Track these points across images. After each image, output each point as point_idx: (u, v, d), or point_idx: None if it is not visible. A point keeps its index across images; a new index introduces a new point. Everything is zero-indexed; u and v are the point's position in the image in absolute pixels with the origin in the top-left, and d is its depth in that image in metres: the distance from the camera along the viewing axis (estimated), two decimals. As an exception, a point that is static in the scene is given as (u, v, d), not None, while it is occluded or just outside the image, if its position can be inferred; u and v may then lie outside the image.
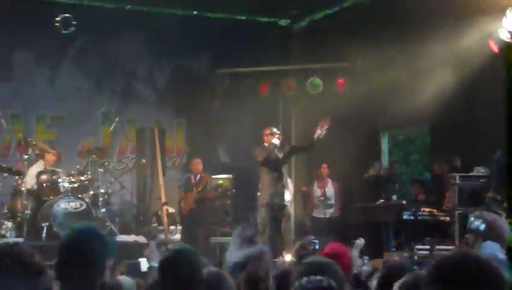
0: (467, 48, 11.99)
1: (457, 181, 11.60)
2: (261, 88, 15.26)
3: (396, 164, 15.47)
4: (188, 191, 14.01)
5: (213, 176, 14.44)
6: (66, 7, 14.22)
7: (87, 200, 12.46)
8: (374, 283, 6.08)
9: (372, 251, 10.85)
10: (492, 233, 5.50)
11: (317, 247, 7.51)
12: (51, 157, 12.98)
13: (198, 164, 14.10)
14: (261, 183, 12.49)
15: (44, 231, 11.92)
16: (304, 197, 14.80)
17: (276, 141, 11.95)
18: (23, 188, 12.34)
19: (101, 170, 13.23)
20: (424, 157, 18.62)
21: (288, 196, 12.14)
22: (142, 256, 9.59)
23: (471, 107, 12.58)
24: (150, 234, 13.13)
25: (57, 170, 12.83)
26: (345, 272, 4.88)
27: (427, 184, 14.28)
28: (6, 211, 12.61)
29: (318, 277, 3.54)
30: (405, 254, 11.56)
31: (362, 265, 6.21)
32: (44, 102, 14.96)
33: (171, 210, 13.79)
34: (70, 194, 12.32)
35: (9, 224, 12.36)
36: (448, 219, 11.88)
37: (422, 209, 12.21)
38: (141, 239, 12.57)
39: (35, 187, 12.46)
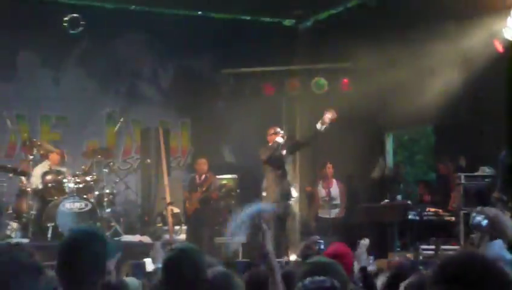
0: (471, 48, 11.98)
1: (463, 181, 11.59)
2: (265, 88, 15.26)
3: (402, 164, 15.46)
4: (192, 191, 14.01)
5: (218, 176, 14.44)
6: (71, 8, 14.24)
7: (92, 200, 12.48)
8: (379, 282, 6.08)
9: (377, 251, 10.83)
10: (494, 228, 5.48)
11: (322, 247, 7.49)
12: (55, 156, 13.01)
13: (203, 164, 14.09)
14: (266, 182, 12.50)
15: (50, 231, 11.95)
16: (309, 198, 14.79)
17: (279, 139, 11.97)
18: (28, 189, 12.36)
19: (106, 170, 13.24)
20: (429, 157, 18.61)
21: (294, 193, 12.13)
22: (147, 256, 9.59)
23: (475, 107, 12.56)
24: (155, 234, 13.13)
25: (62, 170, 12.85)
26: (347, 272, 4.89)
27: (432, 184, 14.26)
28: (11, 211, 12.63)
29: (321, 278, 3.55)
30: (409, 255, 11.56)
31: (368, 265, 6.19)
32: (49, 102, 14.97)
33: (176, 210, 13.79)
34: (75, 194, 12.35)
35: (14, 224, 12.38)
36: (453, 219, 11.87)
37: (427, 209, 12.20)
38: (146, 239, 12.59)
39: (41, 187, 12.48)
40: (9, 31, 14.03)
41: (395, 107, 13.04)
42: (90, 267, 3.56)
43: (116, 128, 14.54)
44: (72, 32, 13.84)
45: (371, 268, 6.51)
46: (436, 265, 2.55)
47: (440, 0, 12.48)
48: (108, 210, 12.80)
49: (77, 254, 3.56)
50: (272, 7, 15.50)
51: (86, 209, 12.23)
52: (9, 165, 13.00)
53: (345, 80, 14.71)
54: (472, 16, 11.76)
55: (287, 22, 16.52)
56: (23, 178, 12.69)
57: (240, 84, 15.46)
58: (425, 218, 12.02)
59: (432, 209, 12.17)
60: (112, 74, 15.47)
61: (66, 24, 13.83)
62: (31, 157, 12.69)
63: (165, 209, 13.47)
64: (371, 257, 8.59)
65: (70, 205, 12.15)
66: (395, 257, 11.48)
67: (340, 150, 13.87)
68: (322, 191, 14.27)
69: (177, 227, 13.56)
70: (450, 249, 10.82)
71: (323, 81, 14.81)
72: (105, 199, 12.79)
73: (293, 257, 11.01)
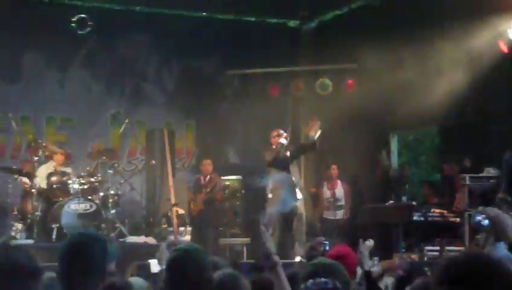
0: (477, 48, 11.97)
1: (467, 182, 11.57)
2: (270, 89, 15.25)
3: (407, 166, 15.44)
4: (197, 192, 14.00)
5: (222, 177, 14.44)
6: (76, 9, 14.26)
7: (97, 201, 12.49)
8: (384, 283, 6.09)
9: (382, 252, 10.82)
10: (495, 229, 5.47)
11: (327, 248, 7.49)
12: (59, 157, 13.03)
13: (208, 165, 14.09)
14: (271, 184, 12.50)
15: (55, 232, 11.96)
16: (314, 199, 14.79)
17: (283, 140, 11.98)
18: (33, 190, 12.38)
19: (111, 171, 13.26)
20: (434, 158, 18.58)
21: (299, 195, 12.11)
22: (152, 257, 9.60)
23: (481, 108, 12.55)
24: (160, 235, 13.13)
25: (67, 171, 12.87)
26: (350, 273, 4.90)
27: (436, 185, 14.24)
28: (16, 212, 12.65)
29: (323, 279, 3.55)
30: (414, 256, 11.55)
31: (372, 266, 6.19)
32: (54, 104, 15.00)
33: (181, 211, 13.79)
34: (80, 195, 12.36)
35: (19, 225, 12.40)
36: (458, 220, 11.85)
37: (432, 210, 12.18)
38: (151, 240, 12.59)
39: (45, 187, 12.49)
40: (15, 32, 14.05)
41: (400, 108, 13.04)
42: (91, 270, 3.58)
43: (121, 130, 14.55)
44: (80, 32, 13.87)
45: (376, 269, 6.51)
46: (440, 266, 2.54)
47: (445, 0, 12.47)
48: (113, 211, 12.80)
49: (77, 258, 3.59)
50: (276, 8, 15.50)
51: (91, 210, 12.25)
52: (14, 167, 13.03)
53: (350, 81, 14.71)
54: (478, 16, 11.75)
55: (292, 23, 16.52)
56: (25, 179, 12.70)
57: (244, 86, 15.46)
58: (430, 219, 12.00)
59: (437, 210, 12.15)
60: (116, 75, 15.49)
61: (74, 24, 13.85)
62: (36, 158, 12.70)
63: (170, 211, 13.47)
64: (376, 258, 8.59)
65: (75, 206, 12.16)
66: (395, 258, 11.49)
67: (344, 151, 13.86)
68: (326, 192, 14.27)
69: (181, 228, 13.56)
70: (454, 250, 10.80)
71: (327, 82, 14.80)
72: (110, 200, 12.79)
73: (298, 258, 10.99)
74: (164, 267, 5.13)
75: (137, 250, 11.43)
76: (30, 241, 11.93)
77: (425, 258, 11.14)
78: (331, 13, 15.65)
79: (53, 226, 12.02)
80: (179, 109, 15.96)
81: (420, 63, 12.84)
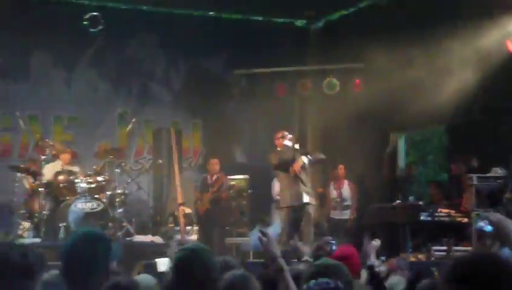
0: (485, 48, 11.94)
1: (475, 182, 11.54)
2: (277, 89, 15.24)
3: (414, 165, 15.41)
4: (204, 191, 14.02)
5: (229, 177, 14.45)
6: (83, 8, 14.28)
7: (104, 200, 12.50)
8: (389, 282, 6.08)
9: (389, 252, 10.81)
10: (498, 234, 5.45)
11: (334, 248, 7.49)
12: (66, 156, 13.05)
13: (215, 164, 14.10)
14: (278, 186, 12.53)
15: (62, 231, 11.97)
16: (321, 199, 14.78)
17: (288, 142, 11.98)
18: (40, 189, 12.40)
19: (118, 170, 13.27)
20: (441, 157, 18.55)
21: (306, 198, 12.08)
22: (159, 256, 9.61)
23: (488, 107, 12.52)
24: (167, 235, 13.14)
25: (74, 170, 12.88)
26: (354, 273, 4.89)
27: (444, 185, 14.22)
28: (23, 211, 12.67)
29: (325, 279, 3.56)
30: (421, 256, 11.54)
31: (379, 266, 6.19)
32: (62, 103, 15.02)
33: (188, 210, 13.80)
34: (87, 194, 12.37)
35: (26, 224, 12.42)
36: (465, 220, 11.82)
37: (439, 210, 12.16)
38: (158, 240, 12.60)
39: (52, 186, 12.50)
40: (22, 31, 14.06)
41: (407, 108, 13.01)
42: (93, 269, 3.58)
43: (128, 129, 14.55)
44: (92, 30, 13.89)
45: (382, 269, 6.51)
46: (448, 265, 2.55)
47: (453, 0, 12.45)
48: (120, 210, 12.80)
49: (80, 256, 3.59)
50: (283, 8, 15.49)
51: (98, 209, 12.26)
52: (21, 165, 13.05)
53: (357, 81, 14.69)
54: (486, 15, 11.72)
55: (299, 23, 16.51)
56: (30, 178, 12.73)
57: (251, 85, 15.46)
58: (437, 219, 11.98)
59: (444, 210, 12.13)
60: (124, 74, 15.51)
61: (86, 23, 13.87)
62: (44, 157, 12.73)
63: (177, 210, 13.48)
64: (382, 258, 8.59)
65: (82, 205, 12.18)
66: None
67: (351, 150, 13.85)
68: (333, 192, 14.27)
69: (188, 227, 13.56)
70: (462, 250, 10.78)
71: (334, 81, 14.79)
72: (117, 199, 12.80)
73: (305, 257, 10.99)
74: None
75: (144, 249, 11.46)
76: (37, 240, 11.94)
77: (433, 258, 11.12)
78: (338, 13, 15.63)
79: (60, 225, 12.03)
80: (186, 108, 15.97)
81: (428, 63, 12.82)
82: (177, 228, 13.44)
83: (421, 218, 11.98)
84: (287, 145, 11.98)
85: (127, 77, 15.59)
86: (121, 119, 15.35)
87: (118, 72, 15.41)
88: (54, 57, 14.84)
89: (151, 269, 8.18)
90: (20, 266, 3.12)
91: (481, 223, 5.57)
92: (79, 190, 12.42)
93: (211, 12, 15.69)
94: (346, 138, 14.03)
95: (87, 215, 12.06)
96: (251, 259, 12.10)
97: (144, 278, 5.56)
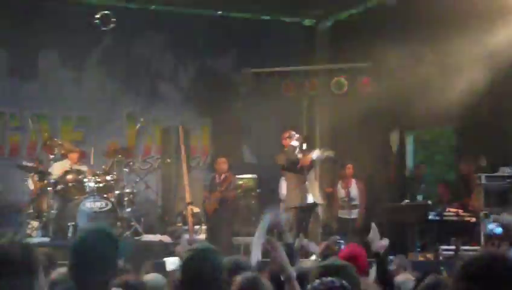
0: (495, 47, 11.90)
1: (483, 181, 11.53)
2: (285, 88, 15.23)
3: (423, 165, 15.39)
4: (212, 190, 14.03)
5: (238, 176, 14.45)
6: (92, 8, 14.30)
7: (113, 199, 12.51)
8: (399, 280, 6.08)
9: (398, 251, 10.80)
10: (508, 236, 5.45)
11: (342, 247, 7.50)
12: (74, 156, 13.06)
13: (222, 163, 14.10)
14: (286, 186, 12.53)
15: (70, 230, 12.00)
16: (329, 198, 14.76)
17: (294, 143, 11.97)
18: (48, 188, 12.43)
19: (126, 169, 13.29)
20: (449, 157, 18.53)
21: (314, 198, 12.08)
22: (168, 255, 9.61)
23: (497, 107, 12.49)
24: (175, 234, 13.15)
25: (83, 169, 12.91)
26: (361, 273, 4.89)
27: (452, 184, 14.19)
28: (32, 210, 12.70)
29: (330, 278, 3.56)
30: (429, 255, 11.53)
31: (381, 249, 6.19)
32: (70, 102, 15.03)
33: (196, 210, 13.80)
34: (95, 193, 12.38)
35: (35, 223, 12.45)
36: (474, 219, 11.81)
37: (447, 209, 12.15)
38: (166, 239, 12.61)
39: (62, 186, 12.52)
40: (31, 30, 14.10)
41: (416, 107, 12.99)
42: (101, 267, 3.59)
43: (136, 128, 14.57)
44: (103, 29, 13.91)
45: (391, 268, 6.51)
46: (459, 264, 2.56)
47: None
48: (128, 210, 12.82)
49: (88, 254, 3.60)
50: (292, 7, 15.49)
51: (106, 208, 12.27)
52: (29, 165, 13.07)
53: (365, 80, 14.66)
54: (495, 15, 11.68)
55: (307, 22, 16.51)
56: (36, 177, 12.76)
57: (259, 84, 15.44)
58: (445, 218, 11.97)
59: (452, 210, 12.12)
60: (132, 74, 15.52)
61: (97, 21, 13.89)
62: (52, 157, 12.76)
63: (185, 209, 13.49)
64: (391, 257, 8.58)
65: (91, 204, 12.19)
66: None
67: (360, 150, 13.83)
68: (341, 192, 14.24)
69: (197, 227, 13.57)
70: (470, 249, 10.77)
71: (342, 81, 14.77)
72: (126, 199, 12.82)
73: (313, 257, 10.99)
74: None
75: (153, 248, 11.47)
76: (46, 239, 11.97)
77: (441, 258, 11.11)
78: (346, 12, 15.62)
79: (68, 224, 12.06)
80: (194, 107, 15.98)
81: (436, 62, 12.79)
82: (186, 227, 13.45)
83: (429, 217, 11.98)
84: (294, 145, 11.97)
85: (136, 77, 15.60)
86: (130, 119, 15.37)
87: (126, 71, 15.42)
88: (63, 56, 14.86)
89: (160, 268, 8.19)
90: (20, 263, 3.12)
91: (491, 226, 5.58)
92: (87, 189, 12.44)
93: (219, 12, 15.70)
94: (354, 137, 14.01)
95: (96, 215, 12.07)
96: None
97: (153, 277, 5.57)
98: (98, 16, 13.86)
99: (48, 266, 5.86)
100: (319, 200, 12.15)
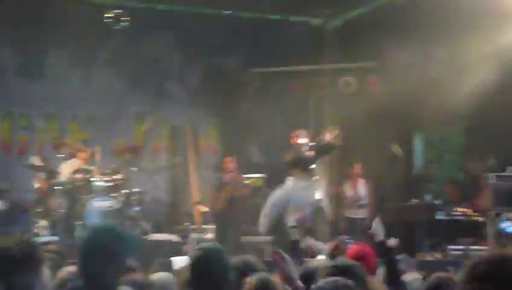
0: (504, 46, 11.87)
1: (492, 181, 11.50)
2: (293, 88, 15.23)
3: (432, 165, 15.37)
4: (219, 190, 14.03)
5: (246, 175, 14.45)
6: (100, 7, 14.32)
7: (121, 199, 12.54)
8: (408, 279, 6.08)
9: (406, 251, 10.80)
10: None
11: (349, 247, 7.48)
12: (83, 155, 13.09)
13: (229, 163, 14.11)
14: (292, 187, 12.52)
15: (78, 229, 12.01)
16: (336, 198, 14.74)
17: (302, 140, 11.96)
18: (57, 187, 12.45)
19: (135, 169, 13.30)
20: (458, 156, 18.49)
21: (317, 195, 12.08)
22: (176, 255, 9.63)
23: (506, 106, 12.46)
24: (183, 233, 13.17)
25: (91, 168, 12.93)
26: (370, 272, 4.89)
27: (460, 184, 14.16)
28: (40, 209, 12.73)
29: (335, 278, 3.56)
30: (437, 255, 11.51)
31: (383, 238, 6.19)
32: (78, 101, 15.06)
33: (204, 209, 13.82)
34: (104, 193, 12.40)
35: (43, 223, 12.48)
36: (482, 219, 11.78)
37: (455, 209, 12.12)
38: (174, 238, 12.63)
39: (70, 185, 12.55)
40: (39, 30, 14.12)
41: (425, 107, 12.97)
42: (110, 265, 3.59)
43: (145, 127, 14.59)
44: (116, 28, 13.93)
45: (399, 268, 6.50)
46: (468, 264, 2.55)
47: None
48: (136, 209, 12.84)
49: (96, 253, 3.60)
50: (300, 6, 15.47)
51: (115, 207, 12.30)
52: (38, 164, 13.10)
53: (374, 80, 14.65)
54: (507, 14, 11.64)
55: (316, 21, 16.48)
56: (42, 176, 12.79)
57: (267, 84, 15.45)
58: (453, 218, 11.95)
59: (461, 210, 12.09)
60: (141, 73, 15.53)
61: (110, 20, 13.90)
62: (61, 156, 12.79)
63: (193, 208, 13.50)
64: (401, 256, 8.58)
65: (99, 204, 12.22)
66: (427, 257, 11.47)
67: (368, 149, 13.81)
68: (349, 191, 14.23)
69: (204, 226, 13.58)
70: (478, 249, 10.74)
71: (351, 80, 14.76)
72: (134, 198, 12.84)
73: (321, 257, 10.99)
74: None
75: (161, 248, 11.48)
76: (54, 238, 12.00)
77: (449, 258, 11.09)
78: (355, 11, 15.59)
79: (77, 223, 12.08)
80: (203, 107, 15.98)
81: (446, 61, 12.78)
82: (193, 227, 13.47)
83: (438, 217, 11.96)
84: (302, 143, 11.96)
85: (144, 76, 15.62)
86: (138, 118, 15.39)
87: (134, 71, 15.44)
88: (71, 55, 14.89)
89: (168, 267, 8.20)
90: (22, 261, 3.13)
91: (504, 224, 5.56)
92: (96, 189, 12.46)
93: (227, 11, 15.69)
94: (363, 137, 13.99)
95: (104, 214, 12.10)
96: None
97: (161, 276, 5.58)
98: (110, 15, 13.88)
99: (58, 262, 5.88)
100: (321, 194, 12.15)
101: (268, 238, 13.91)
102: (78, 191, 12.55)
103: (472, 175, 13.25)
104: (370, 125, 13.97)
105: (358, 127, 13.93)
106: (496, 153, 12.42)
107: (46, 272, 3.75)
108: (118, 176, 12.79)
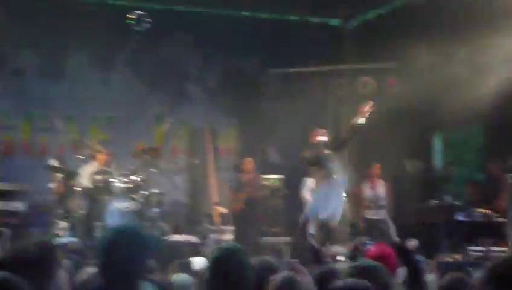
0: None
1: (512, 181, 11.44)
2: (312, 88, 15.22)
3: (451, 165, 15.31)
4: (238, 191, 14.05)
5: (264, 176, 14.45)
6: (119, 8, 14.37)
7: (140, 200, 12.57)
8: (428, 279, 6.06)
9: (425, 252, 10.75)
10: None
11: (369, 247, 7.47)
12: (102, 157, 13.14)
13: (249, 164, 14.13)
14: (310, 185, 12.50)
15: (98, 230, 12.06)
16: (355, 198, 14.71)
17: (321, 138, 11.91)
18: (79, 189, 12.52)
19: (154, 170, 13.33)
20: (477, 157, 18.41)
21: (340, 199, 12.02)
22: (194, 255, 9.65)
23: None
24: (202, 234, 13.19)
25: (110, 170, 12.97)
26: (391, 272, 4.87)
27: (480, 185, 14.09)
28: (61, 211, 12.79)
29: (353, 279, 3.56)
30: (457, 256, 11.45)
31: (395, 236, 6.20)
32: (98, 103, 15.12)
33: (223, 210, 13.83)
34: (123, 194, 12.44)
35: (64, 224, 12.54)
36: (502, 220, 11.72)
37: (475, 210, 12.07)
38: (193, 239, 12.65)
39: (90, 187, 12.61)
40: (59, 32, 14.19)
41: (444, 107, 12.91)
42: (130, 266, 3.60)
43: (163, 129, 14.62)
44: (137, 29, 13.97)
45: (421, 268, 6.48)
46: (487, 266, 2.54)
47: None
48: (155, 210, 12.86)
49: (117, 254, 3.61)
50: (319, 7, 15.47)
51: (134, 209, 12.34)
52: (58, 165, 13.16)
53: (392, 80, 14.61)
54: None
55: (334, 22, 16.47)
56: (59, 177, 12.84)
57: (286, 85, 15.45)
58: (473, 219, 11.89)
59: (481, 210, 12.03)
60: (159, 74, 15.58)
61: (131, 21, 13.94)
62: (81, 158, 12.85)
63: (212, 209, 13.52)
64: (421, 257, 8.55)
65: (119, 205, 12.26)
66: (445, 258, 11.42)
67: (387, 150, 13.77)
68: (368, 192, 14.20)
69: (223, 227, 13.60)
70: (498, 250, 10.69)
71: (370, 81, 14.73)
72: (153, 199, 12.86)
73: (341, 258, 10.98)
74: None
75: (180, 248, 11.51)
76: (74, 240, 12.05)
77: (469, 259, 11.03)
78: (373, 12, 15.57)
79: (97, 224, 12.13)
80: (221, 108, 16.01)
81: (465, 61, 12.71)
82: (213, 228, 13.48)
83: (457, 218, 11.91)
84: (322, 140, 11.90)
85: (163, 77, 15.66)
86: (157, 119, 15.44)
87: (153, 72, 15.49)
88: (91, 57, 14.97)
89: (187, 268, 8.22)
90: (36, 263, 3.14)
91: None
92: (115, 190, 12.50)
93: (245, 12, 15.71)
94: (382, 137, 13.95)
95: (124, 215, 12.14)
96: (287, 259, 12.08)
97: (180, 277, 5.60)
98: (131, 16, 13.92)
99: (78, 263, 5.92)
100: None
101: (287, 239, 13.93)
102: (97, 192, 12.60)
103: (492, 175, 13.18)
104: (389, 126, 13.93)
105: (377, 128, 13.87)
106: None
107: (62, 274, 3.76)
108: (138, 177, 12.82)
